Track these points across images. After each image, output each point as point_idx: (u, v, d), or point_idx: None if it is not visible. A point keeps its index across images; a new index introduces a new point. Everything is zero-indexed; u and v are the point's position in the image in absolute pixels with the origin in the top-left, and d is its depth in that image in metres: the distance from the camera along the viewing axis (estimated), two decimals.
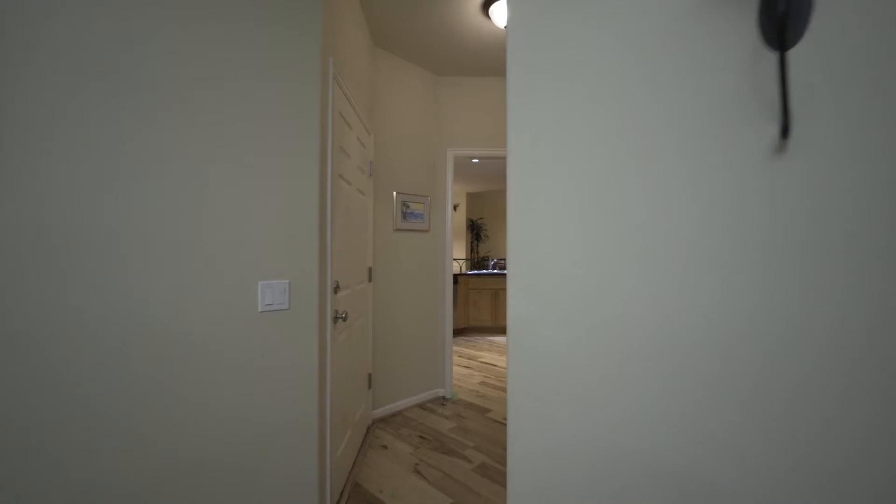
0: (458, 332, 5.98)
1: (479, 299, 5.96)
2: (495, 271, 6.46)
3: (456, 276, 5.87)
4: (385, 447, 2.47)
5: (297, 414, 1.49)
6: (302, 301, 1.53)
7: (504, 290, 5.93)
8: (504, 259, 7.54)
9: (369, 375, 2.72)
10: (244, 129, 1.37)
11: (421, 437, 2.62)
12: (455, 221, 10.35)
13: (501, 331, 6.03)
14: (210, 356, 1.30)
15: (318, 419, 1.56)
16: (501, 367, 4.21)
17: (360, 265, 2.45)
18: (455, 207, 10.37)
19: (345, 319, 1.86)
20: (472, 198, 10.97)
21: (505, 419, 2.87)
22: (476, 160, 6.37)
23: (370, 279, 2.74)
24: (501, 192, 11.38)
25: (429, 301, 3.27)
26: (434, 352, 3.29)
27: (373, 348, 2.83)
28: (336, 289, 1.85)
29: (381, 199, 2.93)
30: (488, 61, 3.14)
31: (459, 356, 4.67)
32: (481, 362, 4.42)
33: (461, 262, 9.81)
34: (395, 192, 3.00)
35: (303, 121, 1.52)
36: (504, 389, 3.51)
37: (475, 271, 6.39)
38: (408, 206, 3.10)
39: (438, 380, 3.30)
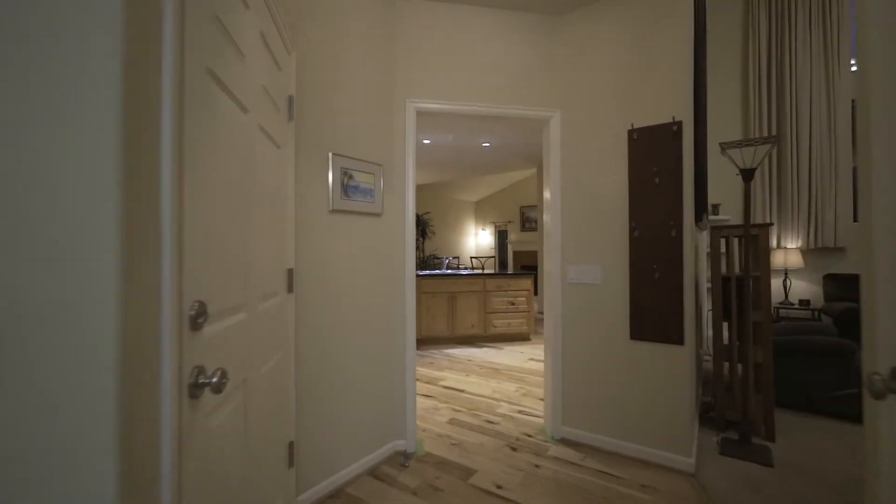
0: None
1: (434, 304, 5.04)
2: (450, 271, 5.57)
3: None
4: None
5: None
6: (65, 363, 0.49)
7: (465, 293, 5.07)
8: (457, 258, 6.67)
9: (290, 445, 1.67)
10: None
11: None
12: None
13: (461, 341, 5.16)
14: None
15: None
16: (471, 394, 3.32)
17: (270, 267, 1.41)
18: None
19: (218, 387, 0.83)
20: (418, 189, 9.99)
21: (500, 486, 1.97)
22: (428, 141, 5.43)
23: (290, 288, 1.69)
24: (451, 185, 10.52)
25: (382, 315, 2.27)
26: (390, 388, 2.30)
27: (297, 399, 1.77)
28: (198, 319, 0.81)
29: (309, 161, 1.88)
30: None
31: (417, 379, 3.70)
32: (444, 387, 3.50)
33: None
34: (331, 154, 1.97)
35: None
36: (484, 430, 2.62)
37: (428, 271, 5.45)
38: (351, 177, 2.08)
39: (397, 427, 2.32)
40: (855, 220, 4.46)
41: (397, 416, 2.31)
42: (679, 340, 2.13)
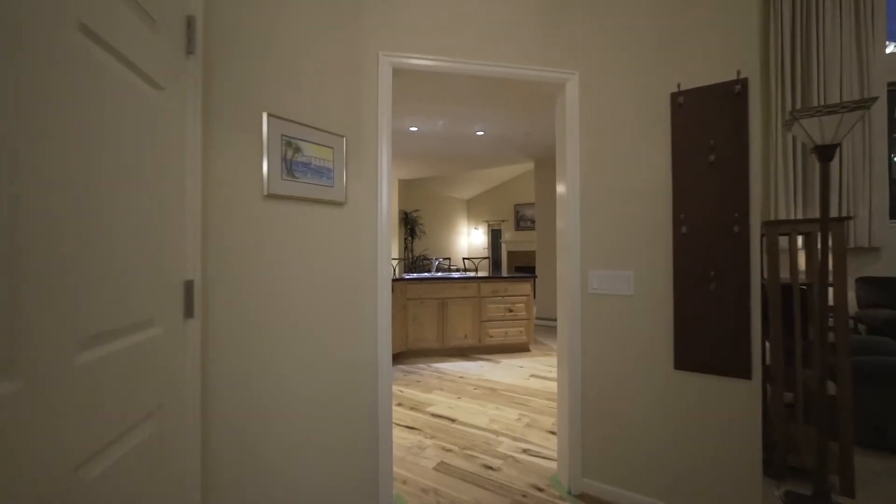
0: (394, 358, 4.41)
1: (422, 312, 4.46)
2: (440, 274, 5.00)
3: (391, 282, 4.30)
4: None
5: None
6: None
7: (457, 300, 4.50)
8: (448, 259, 6.10)
9: None
10: None
11: None
12: None
13: (452, 353, 4.59)
14: None
15: None
16: (465, 425, 2.75)
17: (136, 280, 0.82)
18: None
19: None
20: (406, 185, 9.35)
21: None
22: (415, 128, 4.81)
23: (189, 311, 1.10)
24: (442, 182, 9.90)
25: (345, 342, 1.69)
26: (354, 438, 1.72)
27: (203, 485, 1.18)
28: None
29: (230, 121, 1.29)
30: None
31: (399, 404, 3.13)
32: (432, 415, 2.92)
33: (393, 262, 8.14)
34: (265, 115, 1.38)
35: None
36: (481, 480, 2.05)
37: (415, 275, 4.87)
38: (298, 150, 1.49)
39: (366, 492, 1.74)
40: (892, 217, 3.99)
41: (367, 474, 1.73)
42: (744, 373, 1.58)
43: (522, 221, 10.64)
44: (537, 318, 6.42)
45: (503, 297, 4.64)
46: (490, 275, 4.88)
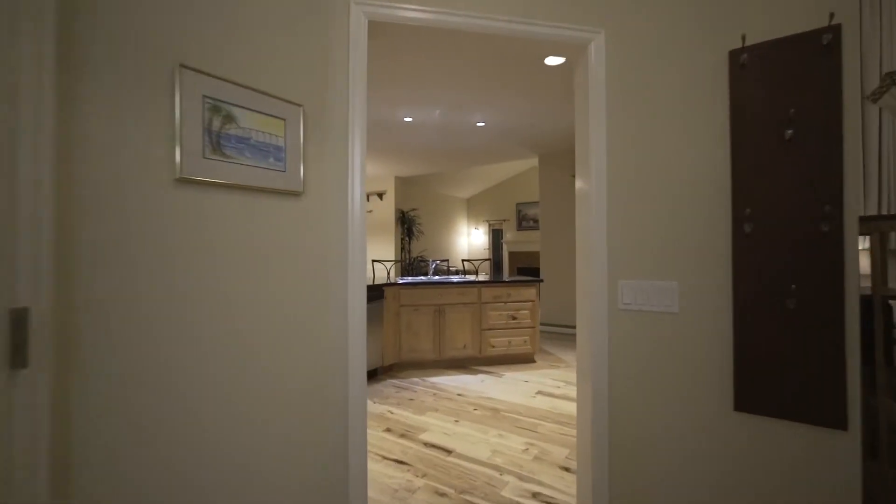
0: (385, 371, 4.01)
1: (416, 320, 4.05)
2: (437, 278, 4.59)
3: (380, 287, 3.90)
4: None
5: None
6: None
7: (455, 306, 4.10)
8: (446, 261, 5.71)
9: None
10: None
11: None
12: (381, 212, 8.25)
13: (450, 365, 4.19)
14: None
15: None
16: (462, 458, 2.34)
17: None
18: (381, 196, 8.36)
19: None
20: (404, 183, 8.90)
21: None
22: (409, 119, 4.34)
23: (19, 359, 0.69)
24: (440, 180, 9.47)
25: (301, 372, 1.28)
26: None
27: None
28: None
29: (119, 74, 0.89)
30: None
31: (387, 429, 2.72)
32: (424, 444, 2.52)
33: (388, 264, 7.70)
34: (179, 67, 0.98)
35: None
36: None
37: (409, 279, 4.47)
38: (231, 120, 1.09)
39: None
40: None
41: None
42: (837, 421, 1.18)
43: (525, 221, 10.23)
44: (542, 325, 6.01)
45: (506, 303, 4.23)
46: (491, 278, 4.47)
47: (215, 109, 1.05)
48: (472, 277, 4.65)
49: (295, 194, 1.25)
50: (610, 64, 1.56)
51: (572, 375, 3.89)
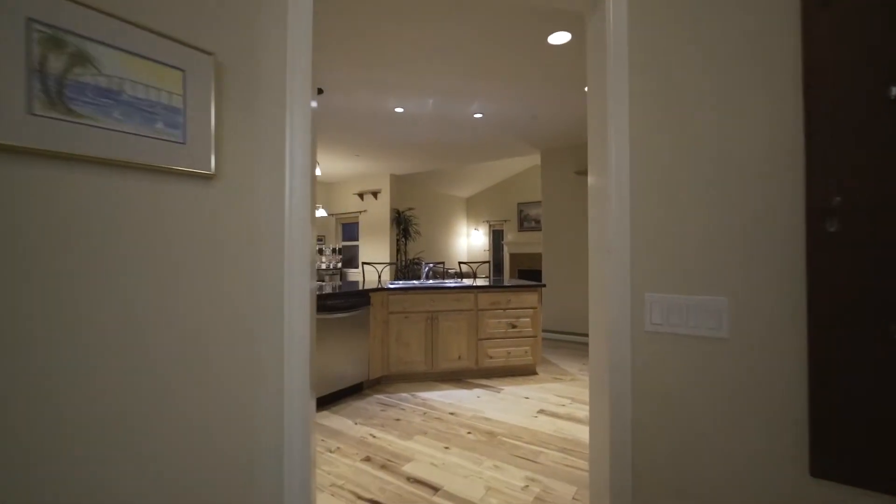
0: (372, 385, 3.65)
1: (407, 329, 3.70)
2: (431, 282, 4.24)
3: (366, 293, 3.54)
4: None
5: None
6: None
7: (450, 314, 3.74)
8: (442, 263, 5.35)
9: None
10: None
11: None
12: (375, 211, 7.88)
13: (444, 378, 3.83)
14: None
15: None
16: (453, 500, 1.98)
17: None
18: (375, 195, 8.01)
19: None
20: (400, 182, 8.51)
21: None
22: (401, 109, 3.98)
23: None
24: (439, 178, 9.08)
25: (217, 433, 0.93)
26: None
27: None
28: None
29: None
30: None
31: (366, 458, 2.36)
32: (409, 479, 2.16)
33: (380, 267, 7.33)
34: None
35: None
36: None
37: (400, 283, 4.11)
38: (86, 61, 0.73)
39: None
40: None
41: None
42: None
43: (527, 222, 9.87)
44: (544, 332, 5.64)
45: (505, 309, 3.87)
46: (490, 283, 4.12)
47: (54, 43, 0.69)
48: (468, 282, 4.29)
49: (203, 177, 0.90)
50: (633, 9, 1.20)
51: (578, 390, 3.52)
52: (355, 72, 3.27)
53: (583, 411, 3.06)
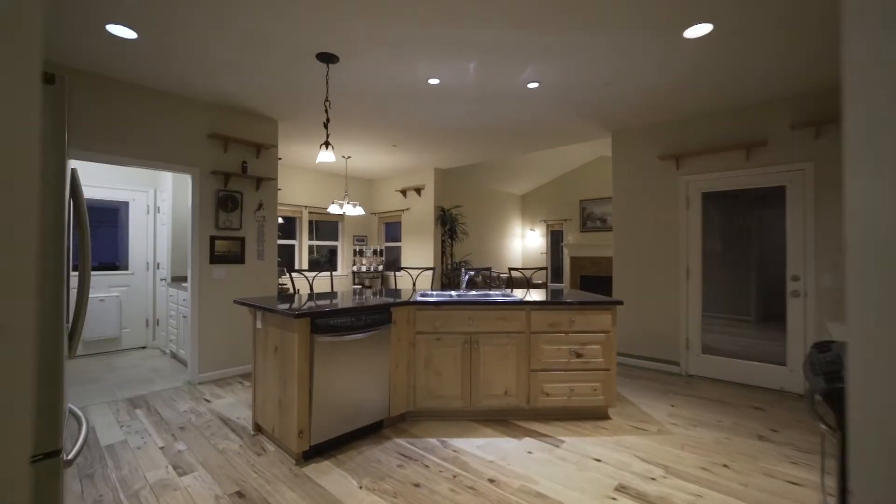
0: (394, 423, 2.91)
1: (438, 353, 2.92)
2: (473, 295, 3.42)
3: (386, 308, 2.80)
4: None
5: None
6: None
7: (494, 336, 2.91)
8: (488, 269, 4.50)
9: None
10: None
11: None
12: (419, 209, 7.13)
13: (485, 419, 2.99)
14: None
15: None
16: None
17: None
18: (419, 191, 7.30)
19: None
20: (445, 177, 7.69)
21: None
22: (436, 80, 3.10)
23: None
24: (489, 173, 8.13)
25: None
26: None
27: None
28: None
29: None
30: None
31: None
32: None
33: (414, 272, 6.57)
34: None
35: None
36: None
37: (432, 295, 3.34)
38: None
39: None
40: None
41: None
42: None
43: (591, 221, 8.69)
44: (622, 354, 4.58)
45: (567, 333, 2.96)
46: (547, 298, 3.22)
47: None
48: (518, 294, 3.42)
49: None
50: None
51: (674, 452, 2.52)
52: (373, 31, 2.55)
53: (686, 493, 2.07)
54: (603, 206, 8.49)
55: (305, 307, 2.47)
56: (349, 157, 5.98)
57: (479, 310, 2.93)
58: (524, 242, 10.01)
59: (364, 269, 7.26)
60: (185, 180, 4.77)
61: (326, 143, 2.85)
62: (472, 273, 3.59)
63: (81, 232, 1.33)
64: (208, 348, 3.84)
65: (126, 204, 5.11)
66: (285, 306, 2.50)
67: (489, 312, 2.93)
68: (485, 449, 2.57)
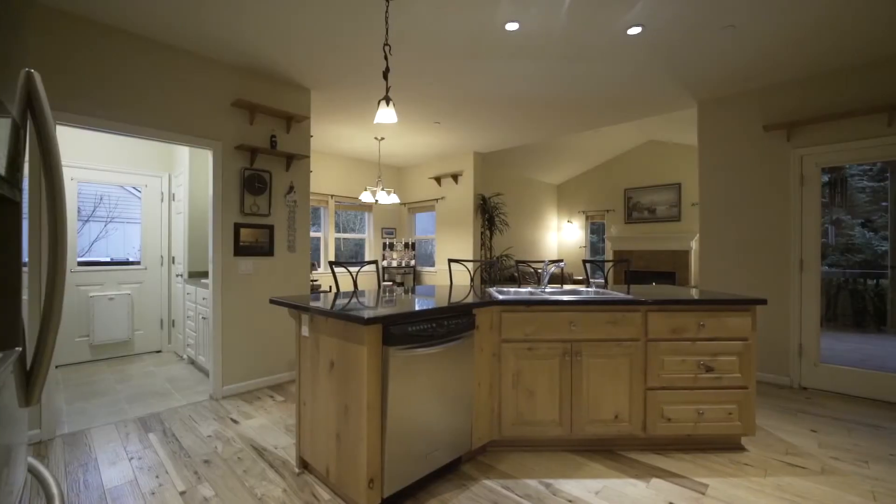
0: (476, 456, 2.29)
1: (530, 368, 2.29)
2: (570, 296, 2.78)
3: (469, 308, 2.17)
4: None
5: None
6: None
7: (598, 345, 2.27)
8: (555, 262, 3.85)
9: None
10: None
11: None
12: (455, 197, 6.41)
13: (590, 451, 2.36)
14: None
15: None
16: None
17: None
18: (456, 178, 6.64)
19: None
20: (484, 162, 6.95)
21: None
22: (515, 25, 2.36)
23: None
24: (525, 157, 7.36)
25: None
26: None
27: None
28: None
29: None
30: None
31: None
32: None
33: (457, 265, 5.90)
34: None
35: None
36: None
37: (513, 293, 2.71)
38: None
39: None
40: None
41: None
42: None
43: (637, 211, 7.98)
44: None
45: (694, 340, 2.30)
46: (669, 297, 2.57)
47: None
48: (589, 291, 2.77)
49: None
50: None
51: (858, 500, 1.86)
52: None
53: None
54: (651, 194, 7.76)
55: (378, 310, 1.85)
56: (383, 138, 5.36)
57: (584, 311, 2.28)
58: (560, 235, 9.32)
59: (395, 264, 6.65)
60: (204, 162, 4.18)
61: (387, 99, 2.22)
62: (551, 268, 2.94)
63: (52, 199, 0.70)
64: (233, 355, 3.26)
65: (137, 190, 4.55)
66: (341, 305, 1.88)
67: (597, 315, 2.28)
68: (605, 496, 1.93)
